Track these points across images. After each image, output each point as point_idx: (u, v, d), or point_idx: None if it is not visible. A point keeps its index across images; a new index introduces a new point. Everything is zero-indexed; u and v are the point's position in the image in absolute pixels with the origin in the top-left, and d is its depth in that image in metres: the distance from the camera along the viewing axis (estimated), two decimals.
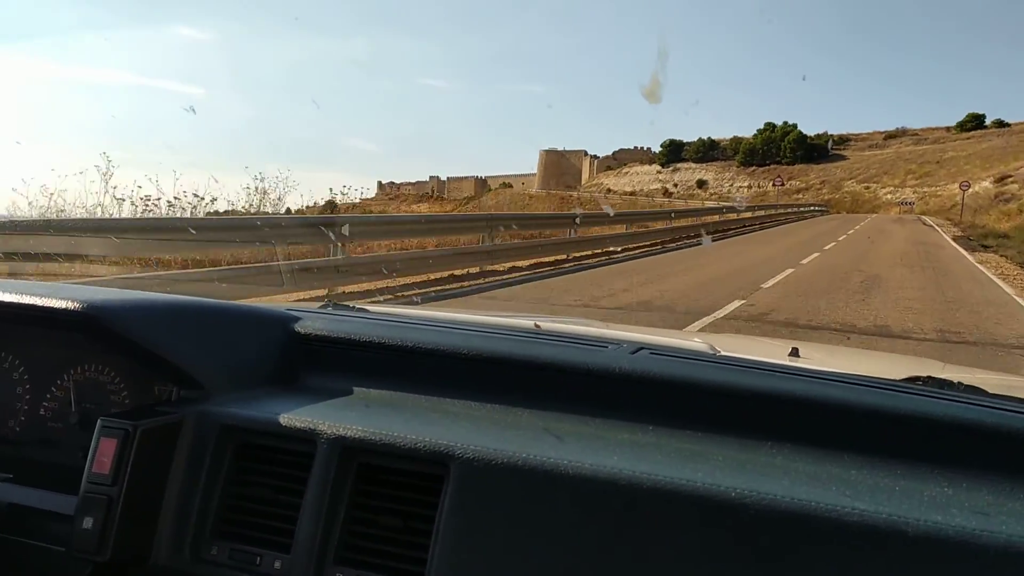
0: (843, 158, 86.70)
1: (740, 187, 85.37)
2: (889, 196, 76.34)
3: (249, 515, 0.93)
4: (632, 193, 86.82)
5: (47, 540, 0.93)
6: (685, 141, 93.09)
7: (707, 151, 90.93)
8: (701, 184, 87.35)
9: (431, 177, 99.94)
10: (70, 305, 0.94)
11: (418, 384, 1.07)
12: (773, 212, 36.34)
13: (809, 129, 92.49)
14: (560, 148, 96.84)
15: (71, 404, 1.11)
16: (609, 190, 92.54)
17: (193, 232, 7.18)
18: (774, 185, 66.87)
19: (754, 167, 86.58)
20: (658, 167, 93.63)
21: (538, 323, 1.35)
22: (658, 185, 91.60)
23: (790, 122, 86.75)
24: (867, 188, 79.16)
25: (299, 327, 1.16)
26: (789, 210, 43.16)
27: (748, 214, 31.36)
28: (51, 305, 0.95)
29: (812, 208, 50.67)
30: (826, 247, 17.98)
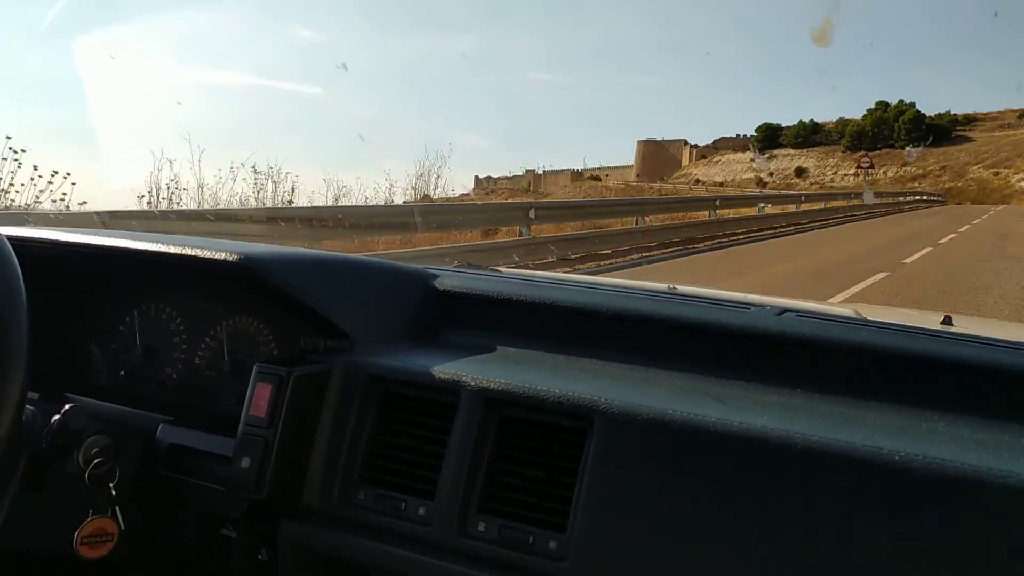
0: (968, 140, 76.35)
1: (845, 175, 76.59)
2: None
3: (394, 462, 0.95)
4: (721, 184, 79.83)
5: (205, 479, 0.98)
6: (784, 125, 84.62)
7: (808, 135, 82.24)
8: (800, 172, 79.09)
9: (527, 171, 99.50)
10: (229, 256, 1.00)
11: (557, 342, 1.06)
12: (847, 204, 28.63)
13: (929, 109, 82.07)
14: (659, 138, 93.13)
15: (224, 353, 1.17)
16: (698, 180, 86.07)
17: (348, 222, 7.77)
18: (860, 168, 56.09)
19: (862, 152, 77.38)
20: (752, 154, 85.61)
21: (673, 286, 1.32)
22: (751, 175, 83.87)
23: (907, 101, 76.75)
24: (996, 174, 68.91)
25: (438, 284, 1.19)
26: (888, 199, 35.60)
27: (804, 206, 22.76)
28: (212, 256, 1.01)
29: (919, 198, 42.29)
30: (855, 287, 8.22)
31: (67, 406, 0.92)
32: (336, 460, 0.95)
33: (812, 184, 76.92)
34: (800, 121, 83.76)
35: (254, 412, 0.93)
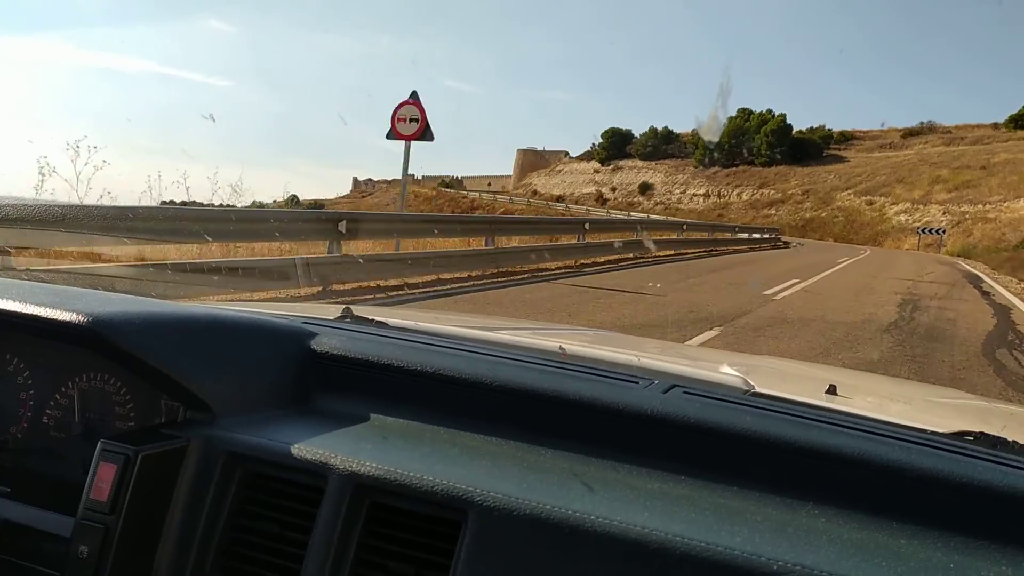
0: (841, 160, 62.91)
1: (695, 195, 62.36)
2: (904, 217, 52.36)
3: (253, 550, 0.89)
4: (559, 198, 64.86)
5: (42, 563, 0.90)
6: (635, 133, 70.21)
7: (660, 145, 67.95)
8: (644, 189, 64.68)
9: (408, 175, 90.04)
10: (75, 318, 0.91)
11: (437, 413, 1.02)
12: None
13: (801, 123, 68.86)
14: (539, 147, 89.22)
15: (75, 414, 1.08)
16: (535, 192, 70.99)
17: (208, 238, 7.15)
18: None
19: (716, 168, 63.43)
20: (596, 164, 71.01)
21: (563, 345, 1.31)
22: (592, 188, 68.75)
23: (777, 112, 62.90)
24: (870, 203, 55.45)
25: (315, 344, 1.11)
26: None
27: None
28: (55, 317, 0.93)
29: (716, 235, 26.69)
30: None
31: None
32: (188, 548, 0.89)
33: (656, 204, 62.50)
34: (652, 128, 69.59)
35: (95, 496, 0.85)
